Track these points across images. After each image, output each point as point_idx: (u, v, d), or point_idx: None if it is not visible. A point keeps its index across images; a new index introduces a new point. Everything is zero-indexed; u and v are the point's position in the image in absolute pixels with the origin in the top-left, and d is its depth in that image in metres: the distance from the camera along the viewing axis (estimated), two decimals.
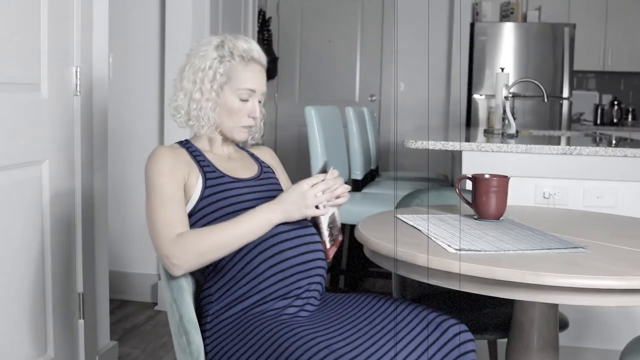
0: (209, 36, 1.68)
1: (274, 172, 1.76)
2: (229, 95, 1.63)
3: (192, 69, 1.64)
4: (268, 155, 1.83)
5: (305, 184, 1.52)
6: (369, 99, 5.93)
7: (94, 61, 2.39)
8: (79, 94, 2.29)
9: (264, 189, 1.66)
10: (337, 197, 1.56)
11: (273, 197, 1.64)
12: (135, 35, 3.41)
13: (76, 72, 2.27)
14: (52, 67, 2.13)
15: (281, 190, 1.71)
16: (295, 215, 1.52)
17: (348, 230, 3.30)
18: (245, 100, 1.64)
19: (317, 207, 1.53)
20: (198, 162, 1.61)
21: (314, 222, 1.61)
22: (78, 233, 2.32)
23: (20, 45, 1.98)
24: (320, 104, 3.33)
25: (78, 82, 2.27)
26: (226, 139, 1.70)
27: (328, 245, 1.58)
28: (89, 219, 2.39)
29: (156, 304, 3.40)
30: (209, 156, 1.65)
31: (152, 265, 3.44)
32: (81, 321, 2.34)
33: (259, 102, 1.68)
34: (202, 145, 1.68)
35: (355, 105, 4.73)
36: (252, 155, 1.78)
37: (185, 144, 1.67)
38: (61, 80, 2.20)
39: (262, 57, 1.69)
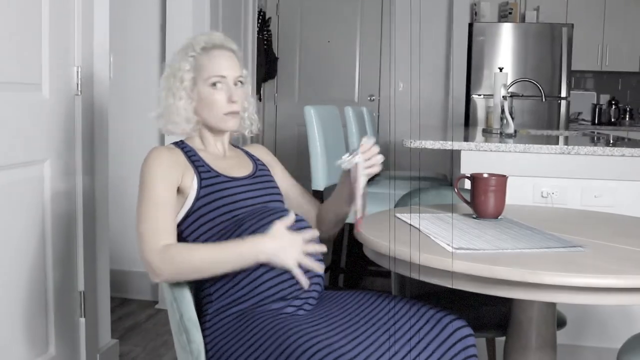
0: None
1: (268, 170, 1.76)
2: (202, 87, 1.64)
3: (164, 79, 1.68)
4: (263, 153, 1.83)
5: (302, 236, 1.49)
6: (368, 98, 5.94)
7: (94, 61, 2.40)
8: (79, 93, 2.30)
9: (259, 187, 1.66)
10: (370, 167, 1.56)
11: (268, 195, 1.65)
12: (135, 35, 3.42)
13: (77, 72, 2.28)
14: (53, 67, 2.14)
15: (276, 188, 1.72)
16: (278, 259, 1.46)
17: (347, 229, 3.31)
18: (219, 88, 1.63)
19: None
20: (193, 162, 1.61)
21: (350, 190, 1.58)
22: (79, 232, 2.33)
23: (21, 46, 1.99)
24: (319, 103, 3.34)
25: (79, 82, 2.28)
26: (217, 135, 1.70)
27: (359, 215, 1.55)
28: (90, 218, 2.39)
29: (157, 302, 3.41)
30: (203, 155, 1.65)
31: None
32: (82, 319, 2.35)
33: (238, 84, 1.66)
34: (196, 144, 1.69)
35: (355, 105, 4.73)
36: (246, 153, 1.79)
37: (180, 144, 1.67)
38: (62, 80, 2.21)
39: (227, 42, 1.69)
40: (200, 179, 1.58)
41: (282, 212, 1.56)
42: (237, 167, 1.69)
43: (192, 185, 1.57)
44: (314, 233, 1.53)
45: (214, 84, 1.63)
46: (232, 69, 1.66)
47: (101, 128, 2.47)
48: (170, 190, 1.54)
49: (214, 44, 1.66)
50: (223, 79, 1.64)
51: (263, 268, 1.49)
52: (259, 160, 1.78)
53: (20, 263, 2.02)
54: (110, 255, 2.67)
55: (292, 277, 1.50)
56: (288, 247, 1.46)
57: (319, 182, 2.98)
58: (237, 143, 1.83)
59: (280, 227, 1.48)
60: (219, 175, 1.62)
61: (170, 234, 1.51)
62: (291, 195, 1.80)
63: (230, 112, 1.65)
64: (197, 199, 1.57)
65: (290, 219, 1.50)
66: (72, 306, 2.30)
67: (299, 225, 1.53)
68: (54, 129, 2.16)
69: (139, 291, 3.48)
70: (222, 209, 1.56)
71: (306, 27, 6.08)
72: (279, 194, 1.72)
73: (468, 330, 1.45)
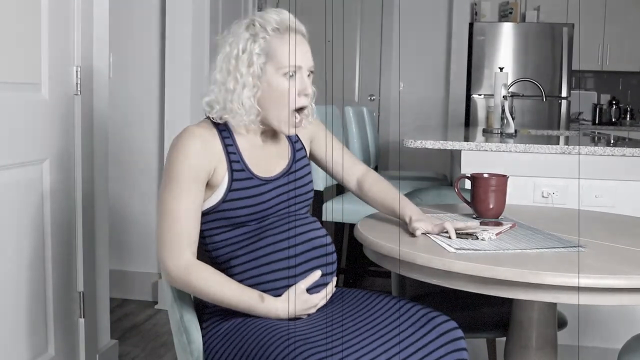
0: (239, 20, 1.51)
1: (306, 155, 1.64)
2: (273, 76, 1.45)
3: (223, 58, 1.47)
4: (310, 128, 1.66)
5: (317, 299, 1.50)
6: (369, 98, 5.93)
7: (94, 61, 2.39)
8: (79, 93, 2.29)
9: (291, 186, 1.55)
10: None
11: (296, 197, 1.57)
12: (135, 35, 3.42)
13: (77, 72, 2.27)
14: (52, 67, 2.13)
15: (309, 183, 1.61)
16: (286, 319, 1.47)
17: (348, 229, 3.31)
18: (293, 80, 1.46)
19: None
20: (228, 153, 1.47)
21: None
22: (78, 232, 2.33)
23: (20, 45, 1.99)
24: (319, 103, 3.33)
25: (78, 82, 2.28)
26: (268, 132, 1.55)
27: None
28: (89, 218, 2.39)
29: (157, 302, 3.41)
30: (240, 144, 1.50)
31: (152, 264, 3.45)
32: (82, 320, 2.35)
33: (310, 75, 1.50)
34: (237, 127, 1.51)
35: (355, 105, 4.73)
36: (288, 137, 1.63)
37: (218, 125, 1.49)
38: (62, 80, 2.20)
39: (300, 26, 1.53)
40: (231, 180, 1.46)
41: (304, 218, 1.52)
42: (273, 159, 1.56)
43: (221, 184, 1.46)
44: (332, 288, 1.54)
45: (288, 74, 1.45)
46: (307, 58, 1.49)
47: (100, 128, 2.47)
48: (199, 187, 1.43)
49: (287, 26, 1.49)
50: (299, 70, 1.47)
51: (263, 269, 1.49)
52: (298, 142, 1.64)
53: (19, 263, 2.01)
54: (109, 255, 2.67)
55: (292, 277, 1.49)
56: (299, 312, 1.47)
57: (319, 182, 2.97)
58: None
59: (298, 291, 1.46)
60: (252, 178, 1.48)
61: (194, 243, 1.45)
62: (328, 165, 1.73)
63: (299, 108, 1.48)
64: (223, 200, 1.47)
65: (315, 275, 1.49)
66: (71, 307, 2.29)
67: (320, 281, 1.51)
68: (53, 128, 2.16)
69: (138, 292, 3.47)
70: (247, 210, 1.48)
71: (306, 27, 6.07)
72: (310, 190, 1.61)
73: (459, 333, 1.42)
